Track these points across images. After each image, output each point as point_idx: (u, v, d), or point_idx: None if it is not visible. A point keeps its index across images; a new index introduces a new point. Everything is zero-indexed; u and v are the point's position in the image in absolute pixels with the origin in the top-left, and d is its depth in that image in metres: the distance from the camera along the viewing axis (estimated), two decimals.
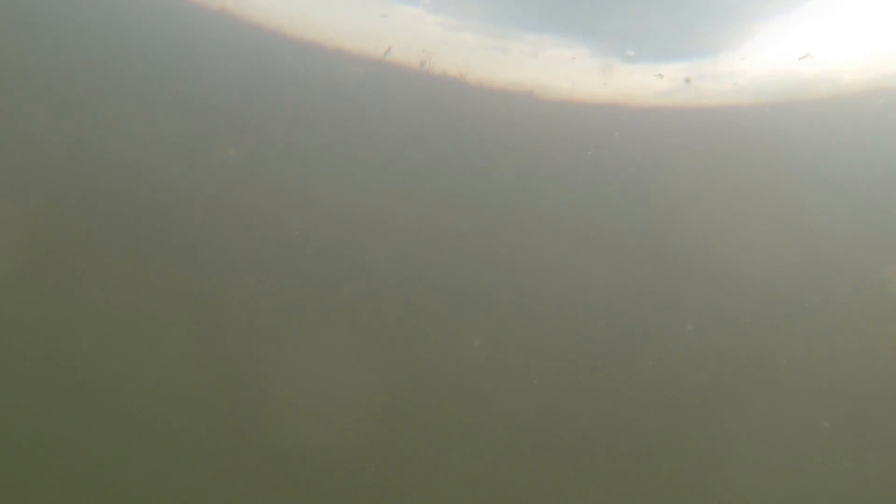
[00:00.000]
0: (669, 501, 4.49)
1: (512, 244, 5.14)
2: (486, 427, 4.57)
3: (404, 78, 5.64)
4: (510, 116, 5.38)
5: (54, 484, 3.79)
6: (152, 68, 5.50)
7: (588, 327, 4.93)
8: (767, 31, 5.22)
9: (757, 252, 4.83)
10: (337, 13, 5.85)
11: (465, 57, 5.50)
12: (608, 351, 4.80)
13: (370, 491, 4.12)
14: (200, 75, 5.55)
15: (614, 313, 4.82)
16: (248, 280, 4.99)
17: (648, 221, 4.99)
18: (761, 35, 5.24)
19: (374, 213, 5.23)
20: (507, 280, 4.99)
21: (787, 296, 4.85)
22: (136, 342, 4.42)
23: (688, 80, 4.64)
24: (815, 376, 4.73)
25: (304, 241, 5.40)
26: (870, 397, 4.77)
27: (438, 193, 5.17)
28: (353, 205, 5.23)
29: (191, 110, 5.63)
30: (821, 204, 4.97)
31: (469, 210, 5.19)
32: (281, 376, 4.33)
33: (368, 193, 5.25)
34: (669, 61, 5.05)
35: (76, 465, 3.86)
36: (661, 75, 4.62)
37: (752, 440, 4.54)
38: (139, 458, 3.97)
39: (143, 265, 4.76)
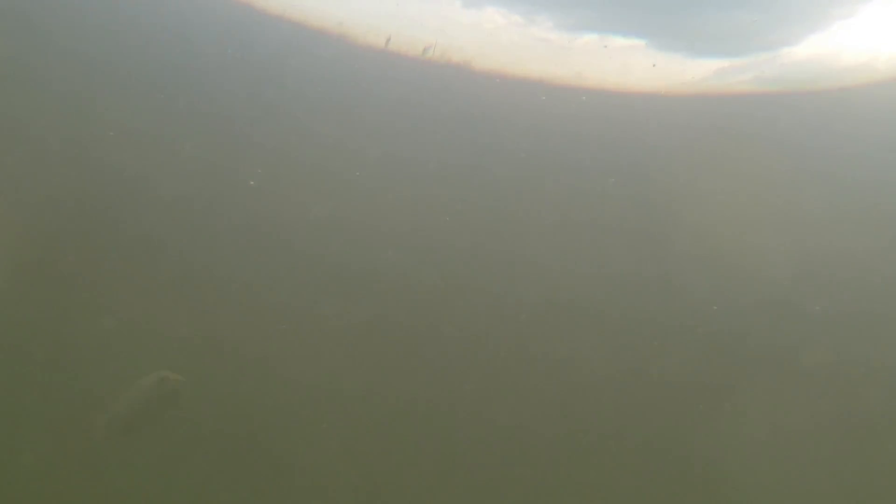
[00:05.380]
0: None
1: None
2: None
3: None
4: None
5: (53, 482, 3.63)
6: (146, 53, 5.43)
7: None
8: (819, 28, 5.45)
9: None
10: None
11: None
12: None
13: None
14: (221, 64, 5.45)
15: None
16: (258, 267, 4.89)
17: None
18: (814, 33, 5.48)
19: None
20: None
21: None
22: (137, 345, 4.34)
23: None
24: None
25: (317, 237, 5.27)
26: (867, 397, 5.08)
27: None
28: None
29: (207, 103, 5.54)
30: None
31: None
32: (290, 373, 4.26)
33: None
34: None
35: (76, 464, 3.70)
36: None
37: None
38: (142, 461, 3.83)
39: (145, 260, 4.69)
